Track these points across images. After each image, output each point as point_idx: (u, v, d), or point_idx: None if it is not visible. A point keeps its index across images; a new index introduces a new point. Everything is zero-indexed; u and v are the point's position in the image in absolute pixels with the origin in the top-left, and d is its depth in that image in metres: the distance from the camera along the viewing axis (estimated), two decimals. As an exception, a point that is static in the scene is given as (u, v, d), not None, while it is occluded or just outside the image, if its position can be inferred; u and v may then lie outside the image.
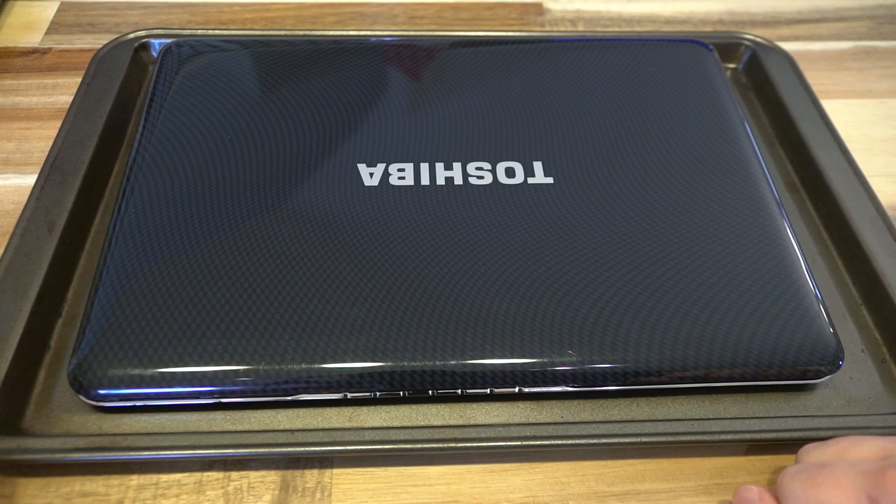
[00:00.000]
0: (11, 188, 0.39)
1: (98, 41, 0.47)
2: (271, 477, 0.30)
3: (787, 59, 0.47)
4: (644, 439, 0.30)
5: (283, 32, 0.47)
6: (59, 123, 0.40)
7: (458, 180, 0.36)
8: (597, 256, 0.33)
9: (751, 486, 0.28)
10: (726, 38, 0.49)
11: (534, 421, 0.31)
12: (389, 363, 0.29)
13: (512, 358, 0.30)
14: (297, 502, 0.29)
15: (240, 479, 0.30)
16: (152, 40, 0.46)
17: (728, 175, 0.37)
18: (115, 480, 0.29)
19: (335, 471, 0.30)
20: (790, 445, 0.31)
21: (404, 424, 0.30)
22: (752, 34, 0.49)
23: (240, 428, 0.30)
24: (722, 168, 0.38)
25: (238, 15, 0.52)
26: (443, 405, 0.31)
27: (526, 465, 0.30)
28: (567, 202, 0.35)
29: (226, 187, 0.35)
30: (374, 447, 0.29)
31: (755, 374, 0.31)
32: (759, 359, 0.30)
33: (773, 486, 0.30)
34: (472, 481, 0.30)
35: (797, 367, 0.31)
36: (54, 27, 0.50)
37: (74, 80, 0.43)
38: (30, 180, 0.39)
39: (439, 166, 0.37)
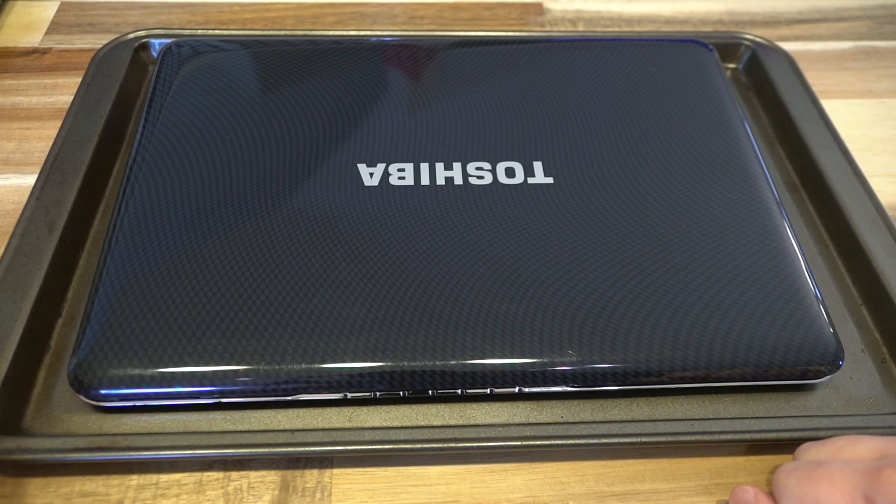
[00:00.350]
0: (11, 188, 0.39)
1: (98, 41, 0.47)
2: (271, 477, 0.30)
3: (787, 59, 0.47)
4: (644, 439, 0.30)
5: (283, 32, 0.47)
6: (59, 123, 0.40)
7: (458, 180, 0.36)
8: (597, 256, 0.33)
9: (746, 486, 0.28)
10: (726, 38, 0.49)
11: (534, 421, 0.31)
12: (389, 363, 0.29)
13: (512, 358, 0.30)
14: (297, 502, 0.29)
15: (240, 479, 0.30)
16: (152, 40, 0.46)
17: (728, 175, 0.37)
18: (115, 480, 0.29)
19: (335, 471, 0.30)
20: (790, 445, 0.31)
21: (404, 424, 0.30)
22: (752, 34, 0.49)
23: (240, 428, 0.30)
24: (722, 168, 0.38)
25: (238, 15, 0.52)
26: (443, 405, 0.31)
27: (526, 465, 0.30)
28: (567, 202, 0.35)
29: (226, 187, 0.35)
30: (374, 447, 0.29)
31: (755, 374, 0.31)
32: (759, 359, 0.30)
33: (770, 486, 0.30)
34: (472, 481, 0.30)
35: (797, 367, 0.31)
36: (54, 27, 0.50)
37: (74, 80, 0.43)
38: (30, 180, 0.39)
39: (439, 166, 0.37)
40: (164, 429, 0.30)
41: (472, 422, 0.31)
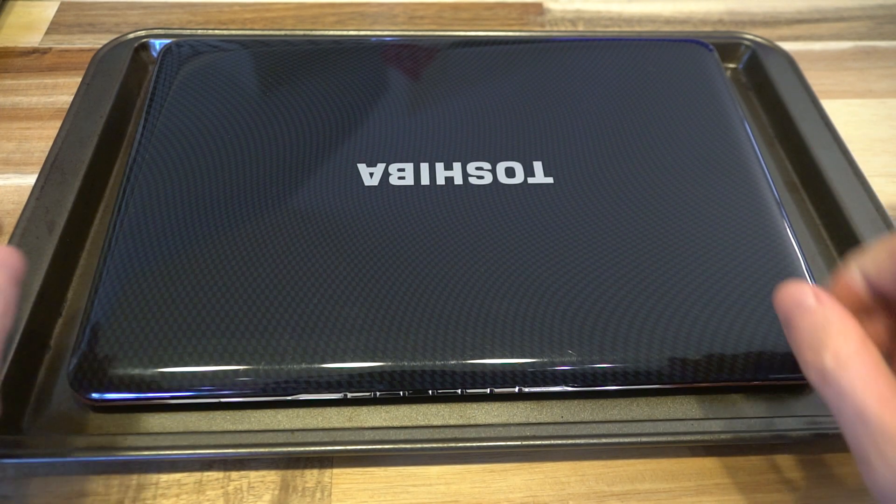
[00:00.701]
0: (11, 188, 0.39)
1: (98, 41, 0.47)
2: (271, 477, 0.30)
3: (787, 59, 0.47)
4: (644, 439, 0.30)
5: (283, 32, 0.47)
6: (59, 123, 0.40)
7: (458, 180, 0.36)
8: (597, 256, 0.33)
9: (802, 286, 0.23)
10: (726, 38, 0.49)
11: (534, 421, 0.31)
12: (389, 363, 0.29)
13: (512, 358, 0.30)
14: (297, 502, 0.29)
15: (240, 478, 0.30)
16: (152, 40, 0.46)
17: (728, 175, 0.37)
18: (115, 480, 0.29)
19: (335, 471, 0.30)
20: (791, 445, 0.31)
21: (404, 424, 0.30)
22: (752, 34, 0.49)
23: (240, 428, 0.30)
24: (722, 168, 0.38)
25: (238, 15, 0.52)
26: (443, 405, 0.31)
27: (526, 465, 0.30)
28: (567, 202, 0.35)
29: (226, 187, 0.35)
30: (374, 447, 0.29)
31: (755, 373, 0.30)
32: (759, 358, 0.30)
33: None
34: (472, 481, 0.30)
35: (798, 367, 0.30)
36: (54, 27, 0.50)
37: (74, 80, 0.43)
38: (30, 180, 0.39)
39: (439, 166, 0.37)
40: (164, 429, 0.30)
41: (472, 422, 0.31)
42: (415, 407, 0.31)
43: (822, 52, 0.52)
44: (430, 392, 0.30)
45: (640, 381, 0.30)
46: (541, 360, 0.30)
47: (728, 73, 0.48)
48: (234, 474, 0.30)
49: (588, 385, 0.30)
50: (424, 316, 0.30)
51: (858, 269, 0.23)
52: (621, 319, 0.31)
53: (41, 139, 0.42)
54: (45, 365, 0.31)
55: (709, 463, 0.31)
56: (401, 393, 0.30)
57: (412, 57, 0.43)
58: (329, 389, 0.29)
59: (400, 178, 0.36)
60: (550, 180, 0.37)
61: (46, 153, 0.38)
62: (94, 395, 0.29)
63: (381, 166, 0.37)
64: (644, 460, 0.31)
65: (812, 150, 0.41)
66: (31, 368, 0.31)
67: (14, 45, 0.48)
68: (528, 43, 0.45)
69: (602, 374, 0.30)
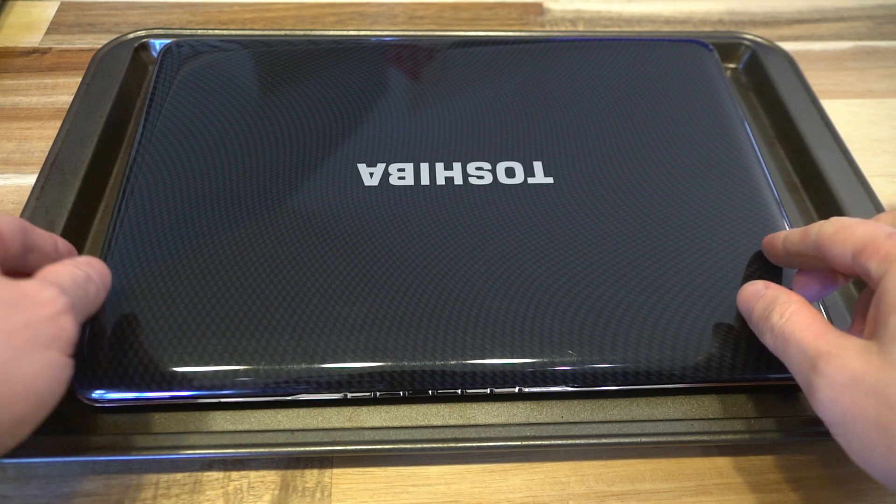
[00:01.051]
0: (11, 188, 0.39)
1: (98, 41, 0.47)
2: (271, 477, 0.30)
3: (787, 59, 0.47)
4: (644, 439, 0.30)
5: (283, 32, 0.47)
6: (59, 123, 0.40)
7: (458, 180, 0.36)
8: (597, 256, 0.33)
9: (754, 281, 0.30)
10: (726, 38, 0.49)
11: (534, 421, 0.31)
12: (389, 363, 0.29)
13: (512, 358, 0.30)
14: (297, 502, 0.29)
15: (240, 479, 0.30)
16: (152, 40, 0.46)
17: (728, 175, 0.37)
18: (115, 480, 0.29)
19: (335, 471, 0.30)
20: (791, 445, 0.31)
21: (404, 424, 0.30)
22: (752, 34, 0.49)
23: (240, 428, 0.30)
24: (722, 168, 0.38)
25: (238, 15, 0.52)
26: (443, 405, 0.31)
27: (526, 465, 0.30)
28: (567, 202, 0.35)
29: (226, 187, 0.35)
30: (374, 447, 0.29)
31: (755, 374, 0.30)
32: (760, 359, 0.30)
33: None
34: (472, 481, 0.30)
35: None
36: (54, 27, 0.50)
37: (74, 80, 0.43)
38: (30, 180, 0.39)
39: (439, 166, 0.37)
40: (164, 429, 0.30)
41: (472, 422, 0.31)
42: (415, 407, 0.31)
43: (822, 52, 0.52)
44: (430, 392, 0.30)
45: (640, 381, 0.30)
46: (541, 360, 0.30)
47: (728, 73, 0.48)
48: (234, 474, 0.30)
49: (588, 385, 0.30)
50: (424, 316, 0.30)
51: (782, 242, 0.31)
52: (621, 319, 0.31)
53: (41, 139, 0.42)
54: (45, 365, 0.31)
55: (708, 463, 0.31)
56: (401, 393, 0.30)
57: (412, 57, 0.43)
58: (329, 389, 0.29)
59: (400, 178, 0.36)
60: (550, 180, 0.37)
61: (46, 153, 0.38)
62: (95, 396, 0.29)
63: (381, 166, 0.37)
64: (644, 460, 0.31)
65: (812, 150, 0.41)
66: (31, 368, 0.31)
67: (14, 45, 0.48)
68: (528, 43, 0.45)
69: (602, 374, 0.30)
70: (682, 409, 0.31)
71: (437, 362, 0.30)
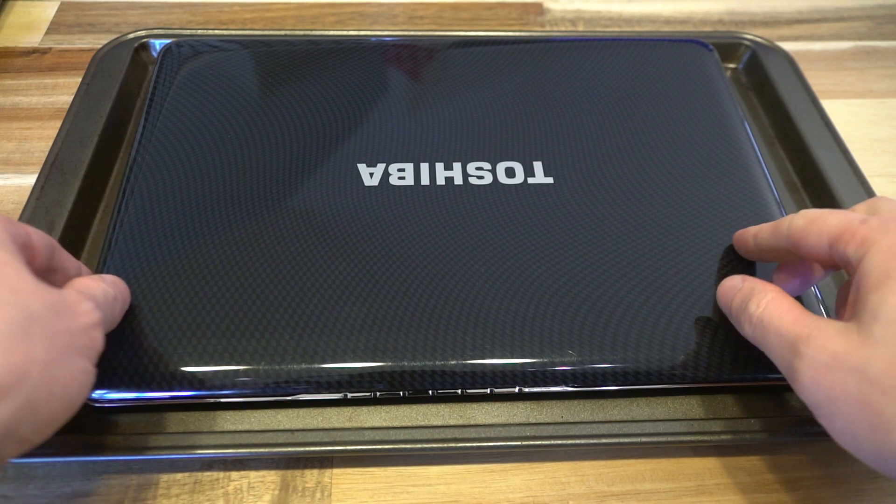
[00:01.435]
0: (11, 188, 0.39)
1: (98, 41, 0.47)
2: (271, 477, 0.30)
3: (787, 59, 0.47)
4: (644, 439, 0.30)
5: (283, 32, 0.47)
6: (59, 123, 0.40)
7: (458, 180, 0.36)
8: (597, 256, 0.33)
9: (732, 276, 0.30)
10: (726, 38, 0.49)
11: (534, 421, 0.31)
12: (389, 363, 0.29)
13: (512, 358, 0.30)
14: (297, 502, 0.29)
15: (240, 479, 0.30)
16: (152, 40, 0.46)
17: (728, 175, 0.37)
18: (115, 480, 0.29)
19: (335, 471, 0.30)
20: (790, 445, 0.31)
21: (404, 424, 0.30)
22: (752, 34, 0.49)
23: (240, 428, 0.30)
24: (722, 168, 0.38)
25: (238, 15, 0.52)
26: (443, 405, 0.31)
27: (526, 465, 0.30)
28: (567, 202, 0.35)
29: (226, 187, 0.35)
30: (374, 447, 0.29)
31: (755, 374, 0.30)
32: (760, 359, 0.30)
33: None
34: (472, 481, 0.30)
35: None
36: (54, 27, 0.50)
37: (74, 80, 0.43)
38: (30, 180, 0.39)
39: (439, 166, 0.37)
40: (164, 429, 0.30)
41: (472, 422, 0.31)
42: (415, 407, 0.31)
43: (822, 52, 0.52)
44: (430, 392, 0.30)
45: (640, 381, 0.30)
46: (541, 360, 0.30)
47: (728, 73, 0.48)
48: (234, 474, 0.30)
49: (588, 385, 0.30)
50: (424, 316, 0.30)
51: (753, 238, 0.31)
52: (621, 319, 0.31)
53: (41, 139, 0.42)
54: (45, 365, 0.31)
55: (709, 463, 0.31)
56: (401, 393, 0.30)
57: (412, 57, 0.43)
58: (329, 389, 0.29)
59: (400, 178, 0.36)
60: (550, 180, 0.37)
61: (46, 153, 0.38)
62: (95, 396, 0.29)
63: (381, 166, 0.37)
64: (644, 460, 0.31)
65: (812, 150, 0.41)
66: (31, 368, 0.31)
67: (14, 45, 0.48)
68: (528, 43, 0.45)
69: (602, 374, 0.30)
70: (682, 409, 0.31)
71: (437, 362, 0.30)
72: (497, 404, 0.31)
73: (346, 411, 0.31)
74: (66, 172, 0.37)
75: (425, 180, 0.36)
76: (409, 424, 0.30)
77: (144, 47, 0.45)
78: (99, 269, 0.32)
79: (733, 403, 0.32)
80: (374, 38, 0.46)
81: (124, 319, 0.30)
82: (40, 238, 0.26)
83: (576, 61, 0.43)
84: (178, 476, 0.30)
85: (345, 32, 0.48)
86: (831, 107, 0.45)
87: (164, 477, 0.29)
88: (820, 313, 0.32)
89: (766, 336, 0.26)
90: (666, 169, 0.37)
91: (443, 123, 0.39)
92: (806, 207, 0.41)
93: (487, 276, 0.32)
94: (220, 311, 0.30)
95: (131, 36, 0.45)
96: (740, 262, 0.33)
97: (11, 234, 0.24)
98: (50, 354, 0.22)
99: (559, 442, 0.30)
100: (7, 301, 0.21)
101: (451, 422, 0.31)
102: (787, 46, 0.49)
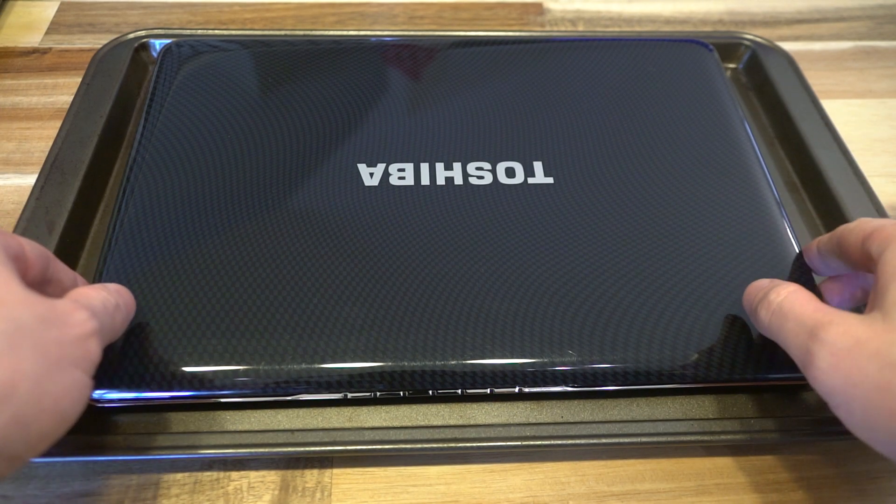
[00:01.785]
0: (11, 188, 0.39)
1: (98, 41, 0.47)
2: (271, 477, 0.30)
3: (787, 59, 0.47)
4: (644, 439, 0.30)
5: (283, 32, 0.47)
6: (59, 123, 0.40)
7: (459, 180, 0.36)
8: (597, 256, 0.33)
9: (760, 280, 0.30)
10: (726, 38, 0.49)
11: (534, 421, 0.31)
12: (389, 363, 0.29)
13: (512, 358, 0.30)
14: (297, 502, 0.29)
15: (240, 479, 0.30)
16: (152, 40, 0.46)
17: (728, 175, 0.37)
18: (115, 480, 0.29)
19: (335, 471, 0.30)
20: (791, 445, 0.31)
21: (404, 424, 0.30)
22: (752, 34, 0.49)
23: (240, 428, 0.30)
24: (722, 168, 0.38)
25: (238, 15, 0.52)
26: (443, 405, 0.31)
27: (526, 465, 0.30)
28: (567, 202, 0.35)
29: (226, 187, 0.35)
30: (374, 447, 0.29)
31: (755, 374, 0.30)
32: (760, 359, 0.30)
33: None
34: (472, 481, 0.30)
35: (797, 367, 0.30)
36: (54, 27, 0.50)
37: (74, 80, 0.43)
38: (30, 180, 0.39)
39: (439, 166, 0.37)
40: (164, 429, 0.30)
41: (472, 422, 0.31)
42: (415, 407, 0.31)
43: (822, 52, 0.52)
44: (430, 392, 0.30)
45: (640, 381, 0.30)
46: (541, 360, 0.30)
47: (728, 73, 0.48)
48: (234, 474, 0.30)
49: (588, 385, 0.30)
50: (424, 316, 0.30)
51: (816, 246, 0.31)
52: (621, 319, 0.31)
53: (41, 139, 0.42)
54: (45, 365, 0.31)
55: (709, 463, 0.31)
56: (401, 393, 0.30)
57: (412, 57, 0.43)
58: (329, 389, 0.29)
59: (400, 178, 0.36)
60: (550, 180, 0.37)
61: (46, 153, 0.38)
62: (95, 396, 0.28)
63: (381, 166, 0.37)
64: (644, 460, 0.31)
65: (812, 150, 0.41)
66: (31, 368, 0.31)
67: (14, 45, 0.48)
68: (528, 43, 0.45)
69: (602, 374, 0.30)
70: (682, 409, 0.31)
71: (437, 362, 0.30)
72: (497, 404, 0.31)
73: (346, 411, 0.31)
74: (66, 172, 0.37)
75: (425, 180, 0.36)
76: (409, 424, 0.30)
77: (144, 47, 0.45)
78: (99, 269, 0.32)
79: (733, 403, 0.32)
80: (374, 38, 0.46)
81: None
82: (34, 249, 0.25)
83: (576, 61, 0.43)
84: (179, 476, 0.30)
85: (345, 32, 0.48)
86: (831, 107, 0.45)
87: (165, 477, 0.29)
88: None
89: (784, 323, 0.26)
90: (666, 169, 0.37)
91: (443, 123, 0.39)
92: (806, 207, 0.41)
93: (487, 275, 0.32)
94: (220, 312, 0.30)
95: (131, 36, 0.45)
96: (740, 263, 0.33)
97: (3, 246, 0.23)
98: (40, 367, 0.21)
99: (559, 442, 0.30)
100: None
101: (451, 422, 0.31)
102: (787, 46, 0.49)
